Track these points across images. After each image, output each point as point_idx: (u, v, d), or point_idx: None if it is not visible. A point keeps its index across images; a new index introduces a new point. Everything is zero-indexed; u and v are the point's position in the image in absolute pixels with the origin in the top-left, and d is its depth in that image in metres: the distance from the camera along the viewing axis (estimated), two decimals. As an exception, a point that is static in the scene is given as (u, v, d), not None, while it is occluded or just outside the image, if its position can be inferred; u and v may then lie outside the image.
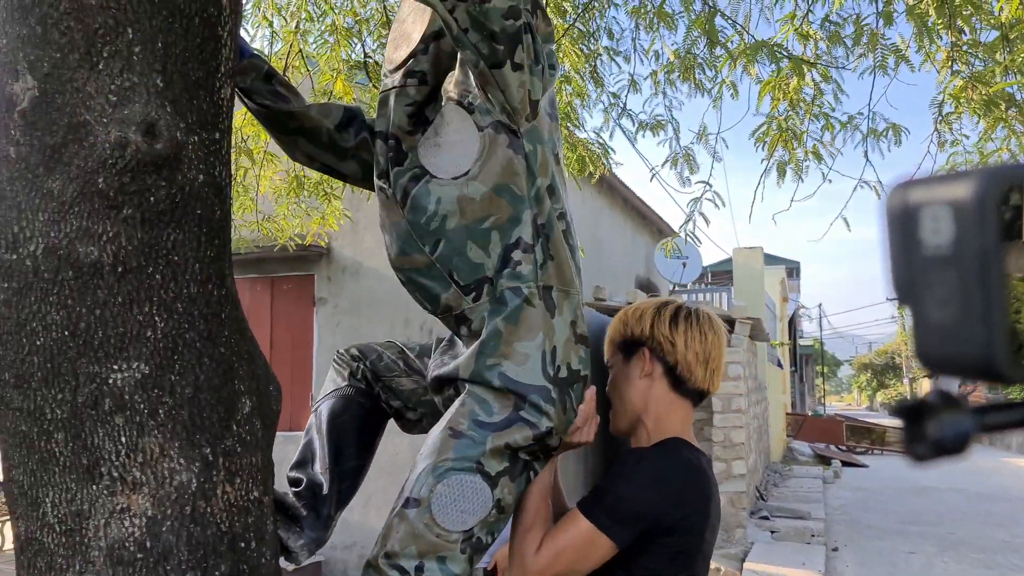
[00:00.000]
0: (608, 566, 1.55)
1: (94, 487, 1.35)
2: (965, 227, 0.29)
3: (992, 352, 0.29)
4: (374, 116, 1.77)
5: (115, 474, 1.36)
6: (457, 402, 1.56)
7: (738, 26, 3.15)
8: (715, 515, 1.66)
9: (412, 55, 1.66)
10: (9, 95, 1.34)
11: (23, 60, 1.33)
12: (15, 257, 1.33)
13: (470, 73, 1.57)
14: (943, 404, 0.34)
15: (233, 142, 4.66)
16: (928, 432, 0.34)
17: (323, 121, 1.80)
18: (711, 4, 3.62)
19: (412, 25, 1.69)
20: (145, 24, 1.35)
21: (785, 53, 3.08)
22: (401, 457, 8.16)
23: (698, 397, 1.72)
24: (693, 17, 3.74)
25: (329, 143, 1.81)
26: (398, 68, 1.68)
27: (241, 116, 4.70)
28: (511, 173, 1.56)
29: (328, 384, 1.98)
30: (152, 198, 1.37)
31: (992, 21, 2.62)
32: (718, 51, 3.43)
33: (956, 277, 0.29)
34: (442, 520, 1.45)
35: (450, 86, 1.62)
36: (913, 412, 0.34)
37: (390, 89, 1.69)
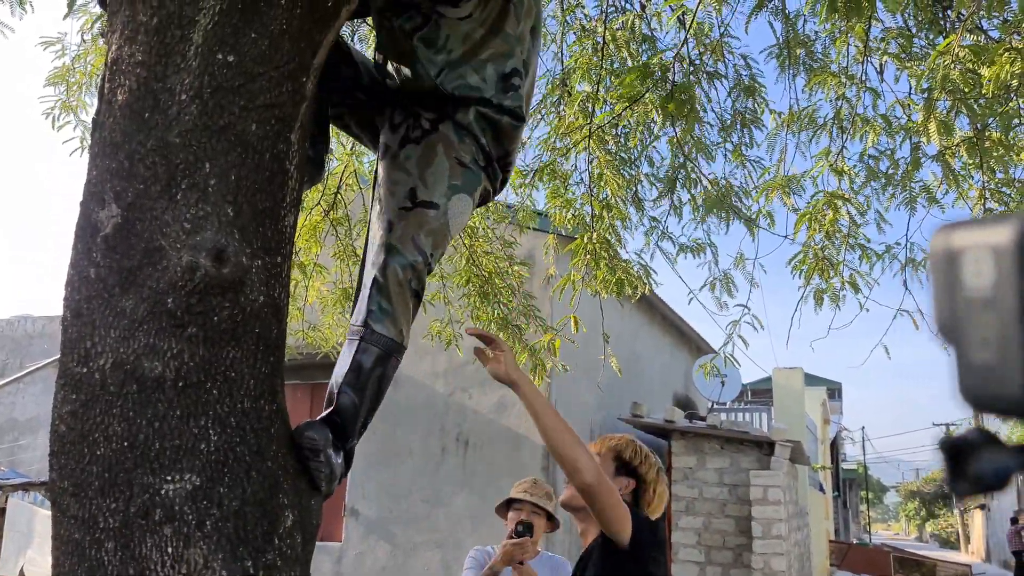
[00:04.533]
0: None
1: (138, 597, 1.39)
2: (1004, 271, 0.31)
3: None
4: None
5: (159, 585, 1.40)
6: (455, 136, 1.89)
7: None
8: None
9: None
10: (95, 222, 1.46)
11: (110, 190, 1.46)
12: (85, 370, 1.42)
13: None
14: (984, 442, 0.34)
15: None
16: (970, 469, 0.34)
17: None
18: (748, 135, 3.75)
19: None
20: (221, 159, 1.48)
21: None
22: (431, 571, 7.99)
23: None
24: (730, 148, 3.87)
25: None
26: None
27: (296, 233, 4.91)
28: (504, 17, 1.91)
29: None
30: (216, 318, 1.46)
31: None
32: (755, 180, 3.54)
33: (996, 319, 0.31)
34: (452, 226, 1.88)
35: None
36: (955, 450, 0.34)
37: None
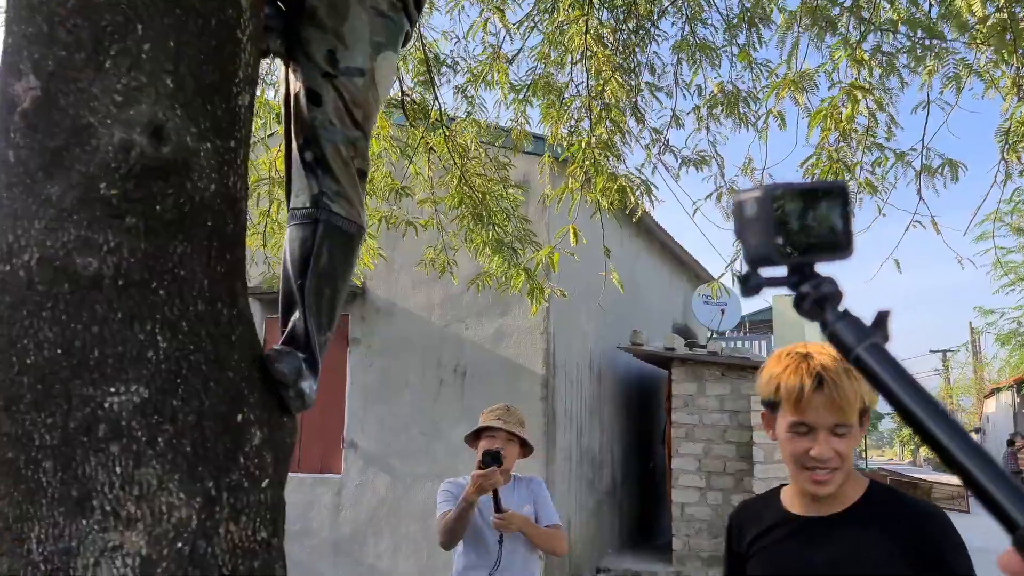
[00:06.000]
0: None
1: (84, 522, 1.23)
2: (758, 208, 0.64)
3: (771, 255, 0.63)
4: None
5: (107, 508, 1.23)
6: None
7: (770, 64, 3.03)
8: None
9: None
10: (11, 96, 1.25)
11: (27, 59, 1.25)
12: (8, 268, 1.23)
13: None
14: (752, 273, 0.65)
15: (269, 175, 4.62)
16: (747, 283, 0.65)
17: None
18: (756, 35, 3.51)
19: None
20: (157, 21, 1.26)
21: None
22: (430, 503, 7.97)
23: None
24: (736, 51, 3.63)
25: None
26: None
27: (277, 151, 4.67)
28: None
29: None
30: (158, 207, 1.26)
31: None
32: (763, 82, 3.31)
33: (759, 226, 0.63)
34: (380, 91, 1.73)
35: None
36: (744, 277, 0.65)
37: None
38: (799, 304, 0.64)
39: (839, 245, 0.64)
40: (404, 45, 1.86)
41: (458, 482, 3.15)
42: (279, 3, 1.69)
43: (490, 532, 2.99)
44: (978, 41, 2.37)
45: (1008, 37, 2.34)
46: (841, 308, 0.63)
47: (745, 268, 0.66)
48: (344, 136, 1.64)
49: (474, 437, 3.17)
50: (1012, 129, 2.63)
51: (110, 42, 1.24)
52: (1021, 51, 2.45)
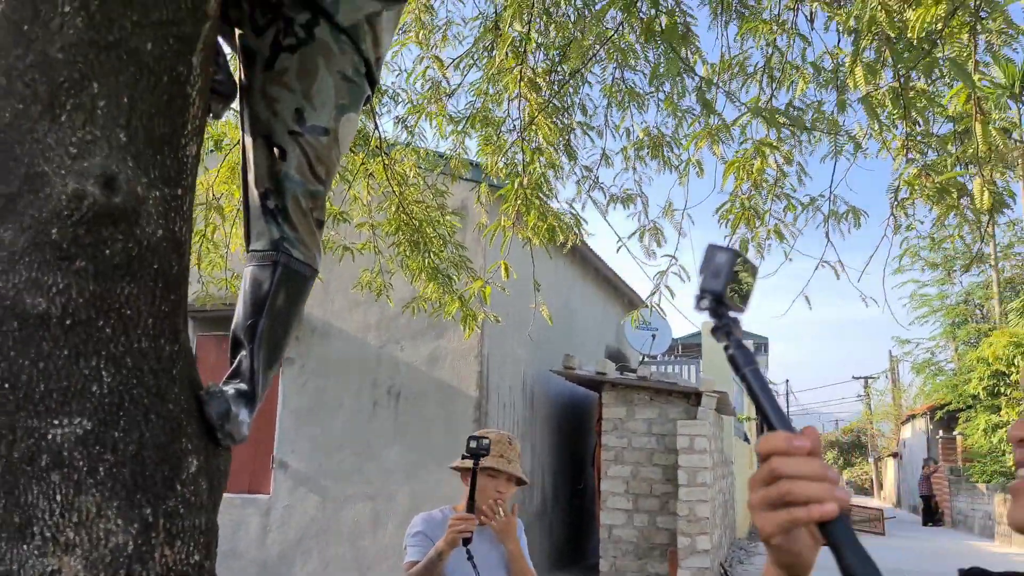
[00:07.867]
0: None
1: (24, 547, 1.30)
2: (725, 259, 0.82)
3: (722, 293, 0.81)
4: None
5: (47, 534, 1.31)
6: (334, 45, 1.78)
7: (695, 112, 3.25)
8: None
9: None
10: (-32, 143, 1.33)
11: (-15, 109, 1.33)
12: (-40, 306, 1.31)
13: None
14: (704, 299, 0.84)
15: (204, 198, 4.66)
16: (700, 304, 0.84)
17: None
18: (679, 87, 3.72)
19: None
20: (112, 79, 1.36)
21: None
22: (361, 524, 7.98)
23: None
24: (663, 97, 3.84)
25: None
26: None
27: (214, 174, 4.71)
28: None
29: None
30: (107, 251, 1.35)
31: (944, 114, 2.74)
32: (684, 130, 3.52)
33: (721, 271, 0.82)
34: (342, 149, 1.85)
35: None
36: (700, 298, 0.84)
37: None
38: (716, 331, 0.84)
39: (747, 300, 0.86)
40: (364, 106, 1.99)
41: (432, 518, 2.68)
42: (240, 63, 1.80)
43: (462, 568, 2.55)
44: (873, 106, 2.61)
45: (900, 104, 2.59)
46: (738, 338, 0.85)
47: (703, 298, 0.85)
48: (305, 188, 1.77)
49: (466, 469, 2.67)
50: (900, 187, 2.89)
51: (66, 97, 1.33)
52: (914, 115, 2.71)
